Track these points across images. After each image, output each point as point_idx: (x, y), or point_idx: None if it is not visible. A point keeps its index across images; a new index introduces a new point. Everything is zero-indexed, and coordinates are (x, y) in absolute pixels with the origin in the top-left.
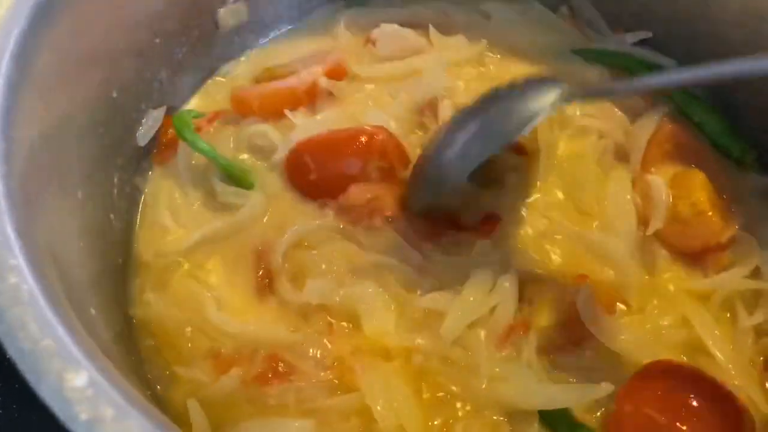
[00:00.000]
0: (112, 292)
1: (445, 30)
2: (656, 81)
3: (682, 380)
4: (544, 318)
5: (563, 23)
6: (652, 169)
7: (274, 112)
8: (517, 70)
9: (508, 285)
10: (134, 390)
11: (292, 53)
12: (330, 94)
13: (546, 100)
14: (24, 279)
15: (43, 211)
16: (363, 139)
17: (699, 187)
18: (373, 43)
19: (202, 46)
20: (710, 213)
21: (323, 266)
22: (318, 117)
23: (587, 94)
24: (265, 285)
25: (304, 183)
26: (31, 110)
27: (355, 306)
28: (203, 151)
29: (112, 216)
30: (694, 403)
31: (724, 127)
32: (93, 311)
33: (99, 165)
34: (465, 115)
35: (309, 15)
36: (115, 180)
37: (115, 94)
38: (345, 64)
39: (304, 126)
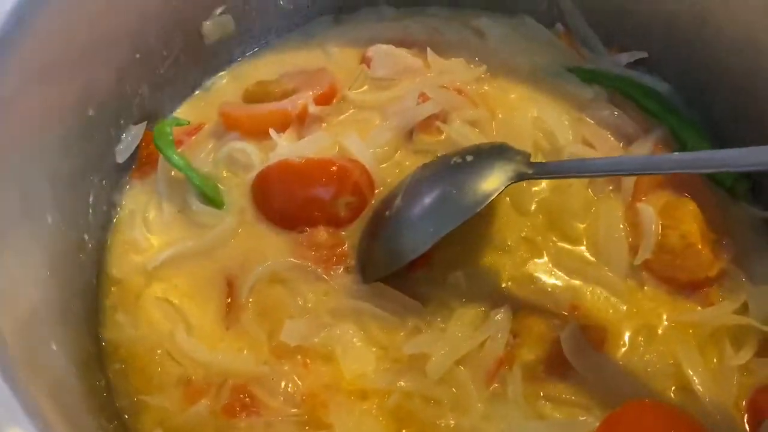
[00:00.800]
0: (83, 314)
1: (439, 49)
2: (599, 166)
3: (662, 419)
4: (530, 351)
5: (558, 40)
6: (643, 198)
7: (262, 132)
8: (514, 90)
9: (500, 318)
10: None
11: (280, 67)
12: (319, 117)
13: (497, 178)
14: None
15: (4, 247)
16: (333, 169)
17: (690, 217)
18: (368, 64)
19: (186, 59)
20: (700, 245)
21: (299, 302)
22: (301, 142)
23: (541, 172)
24: (233, 314)
25: (268, 208)
26: None
27: (334, 347)
28: (177, 165)
29: (85, 236)
30: None
31: None
32: (54, 346)
33: (73, 185)
34: (417, 186)
35: (298, 28)
36: (91, 199)
37: (91, 112)
38: (337, 87)
39: (286, 149)
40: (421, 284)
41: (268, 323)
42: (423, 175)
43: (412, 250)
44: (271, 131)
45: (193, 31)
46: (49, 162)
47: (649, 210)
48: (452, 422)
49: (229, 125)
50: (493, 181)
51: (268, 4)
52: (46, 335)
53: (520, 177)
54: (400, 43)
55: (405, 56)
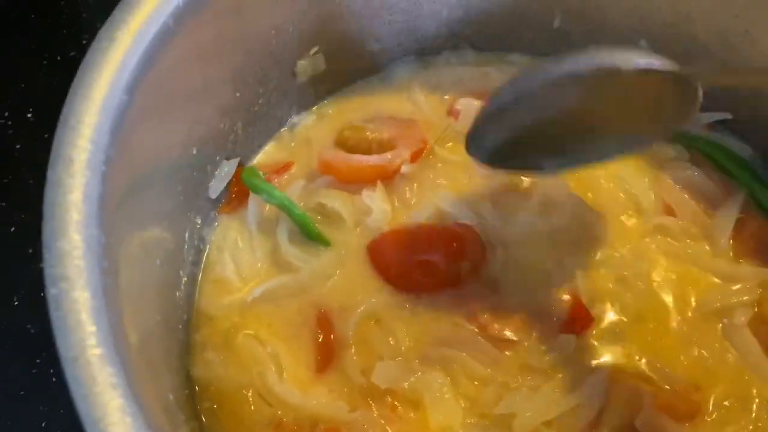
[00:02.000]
0: (177, 352)
1: None
2: None
3: None
4: (618, 416)
5: None
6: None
7: (356, 180)
8: None
9: (596, 383)
10: None
11: (366, 110)
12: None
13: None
14: (127, 400)
15: (129, 297)
16: (452, 241)
17: None
18: (456, 116)
19: (277, 97)
20: None
21: (391, 341)
22: (393, 205)
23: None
24: (327, 356)
25: (384, 270)
26: (119, 191)
27: (423, 394)
28: (279, 200)
29: (181, 272)
30: None
31: None
32: (171, 397)
33: (175, 223)
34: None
35: (383, 69)
36: (186, 235)
37: (195, 151)
38: (427, 142)
39: (381, 212)
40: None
41: (362, 363)
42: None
43: (523, 86)
44: (364, 196)
45: (287, 69)
46: (158, 203)
47: None
48: None
49: (325, 170)
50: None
51: (357, 45)
52: (159, 369)
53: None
54: (481, 95)
55: None
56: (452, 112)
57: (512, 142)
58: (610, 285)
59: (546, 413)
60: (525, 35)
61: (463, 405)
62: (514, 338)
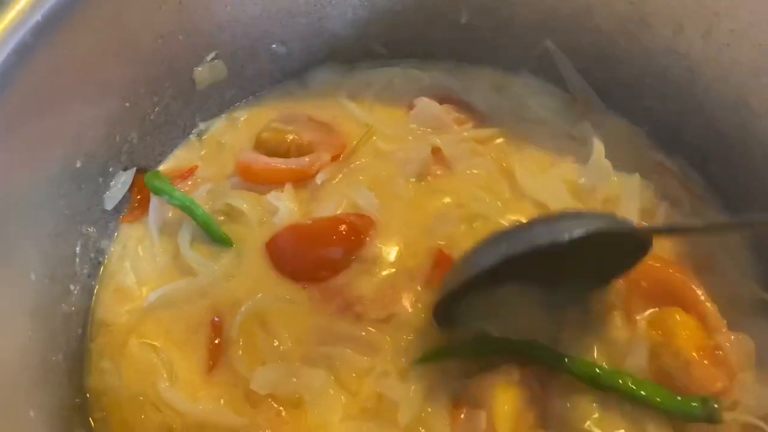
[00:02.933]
0: (65, 367)
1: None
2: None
3: None
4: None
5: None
6: (636, 317)
7: (273, 182)
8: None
9: None
10: None
11: (278, 112)
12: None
13: (587, 224)
14: None
15: None
16: (343, 229)
17: (679, 328)
18: (411, 109)
19: (177, 104)
20: (696, 360)
21: (276, 343)
22: (304, 205)
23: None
24: (216, 356)
25: (283, 267)
26: None
27: (303, 394)
28: (181, 201)
29: (71, 286)
30: None
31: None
32: (32, 414)
33: (59, 238)
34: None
35: (295, 74)
36: (78, 249)
37: (79, 164)
38: (345, 146)
39: (287, 211)
40: None
41: (248, 366)
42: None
43: (478, 264)
44: (271, 196)
45: (184, 77)
46: (33, 218)
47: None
48: None
49: (246, 176)
50: (581, 225)
51: (260, 49)
52: (23, 404)
53: (611, 227)
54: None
55: (444, 115)
56: (410, 106)
57: (471, 308)
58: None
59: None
60: (435, 33)
61: (344, 400)
62: (386, 314)
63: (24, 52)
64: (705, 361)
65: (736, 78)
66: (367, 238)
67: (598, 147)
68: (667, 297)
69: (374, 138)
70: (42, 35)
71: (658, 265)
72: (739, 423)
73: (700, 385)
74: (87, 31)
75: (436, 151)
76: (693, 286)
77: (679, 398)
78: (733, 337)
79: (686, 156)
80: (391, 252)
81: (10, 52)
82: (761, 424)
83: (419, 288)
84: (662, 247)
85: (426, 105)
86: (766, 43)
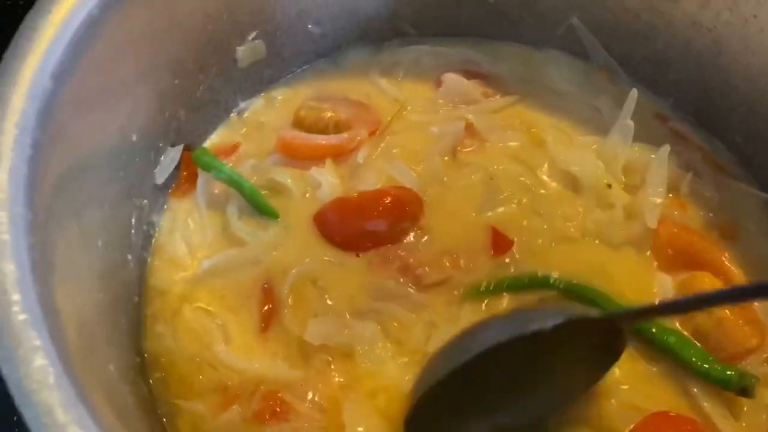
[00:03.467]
0: (127, 328)
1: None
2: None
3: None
4: None
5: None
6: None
7: (313, 158)
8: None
9: None
10: None
11: (315, 92)
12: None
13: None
14: (51, 360)
15: (65, 272)
16: (388, 201)
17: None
18: (439, 85)
19: (220, 83)
20: (730, 317)
21: (328, 302)
22: (345, 179)
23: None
24: (269, 318)
25: (331, 238)
26: (54, 168)
27: (354, 346)
28: (228, 176)
29: (129, 255)
30: None
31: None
32: (107, 351)
33: (119, 208)
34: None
35: (330, 54)
36: (133, 220)
37: (134, 138)
38: (380, 123)
39: (329, 185)
40: None
41: (299, 323)
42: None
43: (436, 375)
44: (313, 172)
45: (227, 56)
46: (98, 188)
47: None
48: None
49: (287, 153)
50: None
51: (296, 29)
52: (103, 358)
53: (573, 316)
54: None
55: (471, 89)
56: (437, 82)
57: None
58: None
59: None
60: (462, 13)
61: (390, 350)
62: (443, 277)
63: (91, 24)
64: (739, 320)
65: (762, 49)
66: (412, 210)
67: (629, 104)
68: (694, 263)
69: (406, 113)
70: (107, 9)
71: (684, 233)
72: None
73: (734, 341)
74: (142, 8)
75: (468, 126)
76: (718, 252)
77: (717, 365)
78: None
79: (710, 129)
80: (440, 224)
81: (80, 24)
82: None
83: (476, 258)
84: (688, 216)
85: (453, 80)
86: None
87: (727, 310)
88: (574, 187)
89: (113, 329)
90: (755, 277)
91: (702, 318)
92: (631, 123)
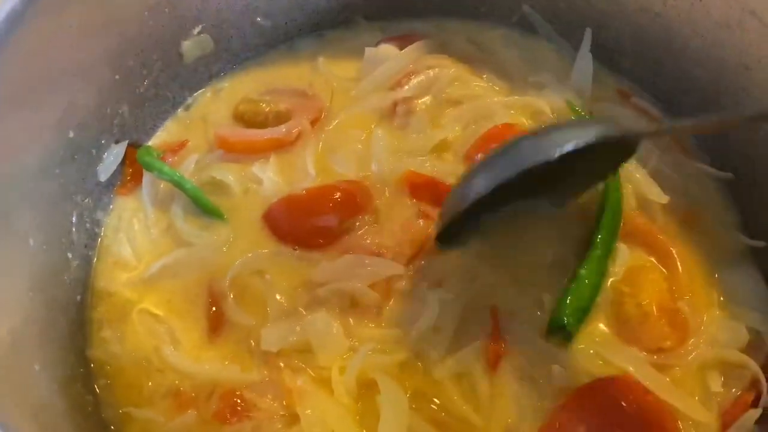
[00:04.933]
0: (67, 333)
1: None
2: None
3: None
4: None
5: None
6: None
7: (253, 152)
8: None
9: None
10: None
11: (262, 84)
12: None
13: (574, 136)
14: None
15: None
16: (337, 197)
17: (651, 286)
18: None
19: (165, 78)
20: (656, 315)
21: (276, 296)
22: (289, 173)
23: (621, 133)
24: (218, 321)
25: (282, 236)
26: None
27: (309, 340)
28: (170, 176)
29: (69, 255)
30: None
31: None
32: (37, 367)
33: (55, 207)
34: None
35: (279, 45)
36: (74, 218)
37: (72, 134)
38: (323, 111)
39: (270, 182)
40: None
41: (251, 321)
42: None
43: (476, 191)
44: (255, 167)
45: (171, 50)
46: (29, 185)
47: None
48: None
49: (226, 149)
50: (569, 139)
51: (244, 22)
52: (28, 357)
53: (600, 139)
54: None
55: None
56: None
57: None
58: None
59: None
60: (417, 2)
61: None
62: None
63: (14, 19)
64: (662, 319)
65: (709, 33)
66: (362, 202)
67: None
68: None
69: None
70: (32, 3)
71: (646, 224)
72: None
73: (650, 337)
74: (74, 2)
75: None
76: (671, 249)
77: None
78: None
79: (669, 111)
80: (388, 201)
81: (2, 19)
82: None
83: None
84: (652, 210)
85: (372, 53)
86: None
87: (654, 308)
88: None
89: (49, 332)
90: (716, 260)
91: (630, 307)
92: (590, 56)
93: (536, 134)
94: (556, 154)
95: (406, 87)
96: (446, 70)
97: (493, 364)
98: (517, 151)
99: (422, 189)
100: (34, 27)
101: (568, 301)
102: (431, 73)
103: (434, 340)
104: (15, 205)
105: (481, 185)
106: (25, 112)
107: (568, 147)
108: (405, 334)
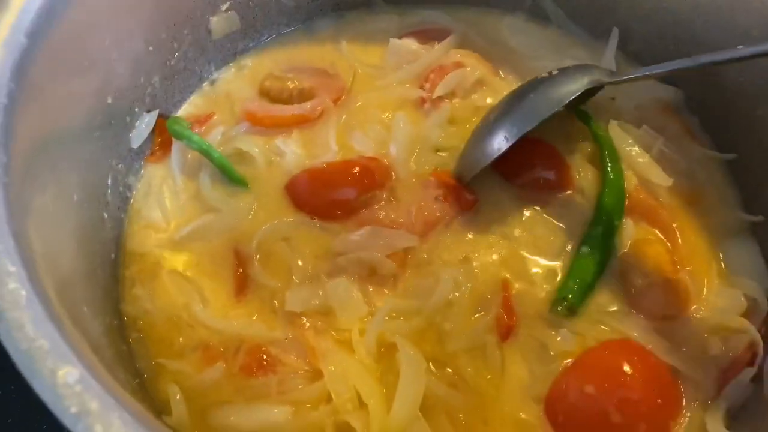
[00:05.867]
0: (104, 287)
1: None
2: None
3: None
4: None
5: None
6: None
7: (278, 127)
8: None
9: None
10: (119, 386)
11: (285, 61)
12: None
13: (575, 84)
14: (22, 284)
15: (39, 216)
16: (356, 171)
17: (654, 257)
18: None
19: (194, 52)
20: (660, 285)
21: (299, 263)
22: (310, 147)
23: (616, 77)
24: (243, 282)
25: (303, 206)
26: (30, 122)
27: (332, 303)
28: (198, 145)
29: (105, 214)
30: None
31: None
32: (85, 309)
33: (94, 167)
34: (507, 99)
35: (300, 24)
36: (109, 181)
37: (110, 100)
38: (346, 88)
39: (293, 155)
40: None
41: (275, 283)
42: (513, 91)
43: (497, 149)
44: (279, 141)
45: (201, 26)
46: (74, 146)
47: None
48: None
49: (252, 122)
50: (570, 86)
51: (270, 2)
52: (79, 298)
53: (596, 83)
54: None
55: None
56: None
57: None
58: None
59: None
60: None
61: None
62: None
63: None
64: (666, 290)
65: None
66: (380, 179)
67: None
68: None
69: (370, 79)
70: None
71: (648, 199)
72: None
73: (654, 306)
74: None
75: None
76: (673, 224)
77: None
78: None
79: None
80: (407, 181)
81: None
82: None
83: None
84: (656, 192)
85: (396, 45)
86: None
87: (658, 278)
88: None
89: (89, 282)
90: (719, 236)
91: (635, 276)
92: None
93: (542, 84)
94: (565, 103)
95: (437, 87)
96: (472, 71)
97: (504, 335)
98: (533, 105)
99: (443, 187)
100: (80, 2)
101: (571, 278)
102: (459, 73)
103: (447, 314)
104: (63, 162)
105: (503, 142)
106: (71, 78)
107: (572, 96)
108: (420, 306)
